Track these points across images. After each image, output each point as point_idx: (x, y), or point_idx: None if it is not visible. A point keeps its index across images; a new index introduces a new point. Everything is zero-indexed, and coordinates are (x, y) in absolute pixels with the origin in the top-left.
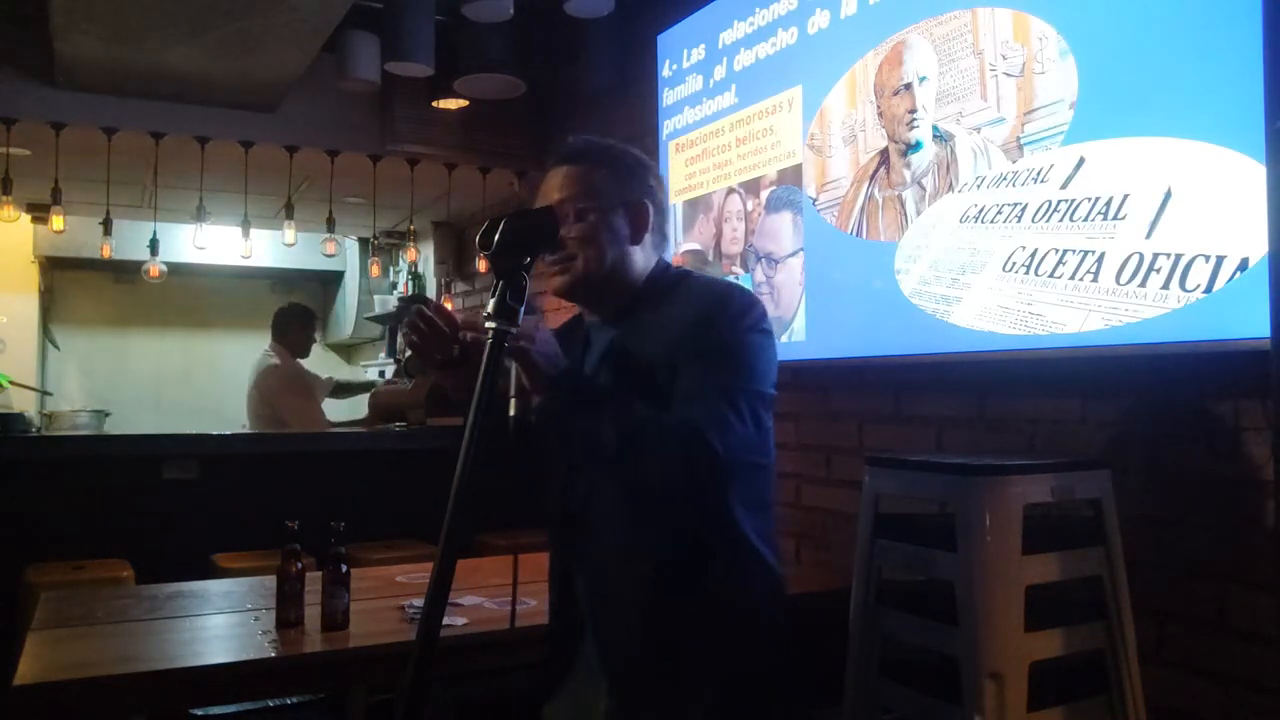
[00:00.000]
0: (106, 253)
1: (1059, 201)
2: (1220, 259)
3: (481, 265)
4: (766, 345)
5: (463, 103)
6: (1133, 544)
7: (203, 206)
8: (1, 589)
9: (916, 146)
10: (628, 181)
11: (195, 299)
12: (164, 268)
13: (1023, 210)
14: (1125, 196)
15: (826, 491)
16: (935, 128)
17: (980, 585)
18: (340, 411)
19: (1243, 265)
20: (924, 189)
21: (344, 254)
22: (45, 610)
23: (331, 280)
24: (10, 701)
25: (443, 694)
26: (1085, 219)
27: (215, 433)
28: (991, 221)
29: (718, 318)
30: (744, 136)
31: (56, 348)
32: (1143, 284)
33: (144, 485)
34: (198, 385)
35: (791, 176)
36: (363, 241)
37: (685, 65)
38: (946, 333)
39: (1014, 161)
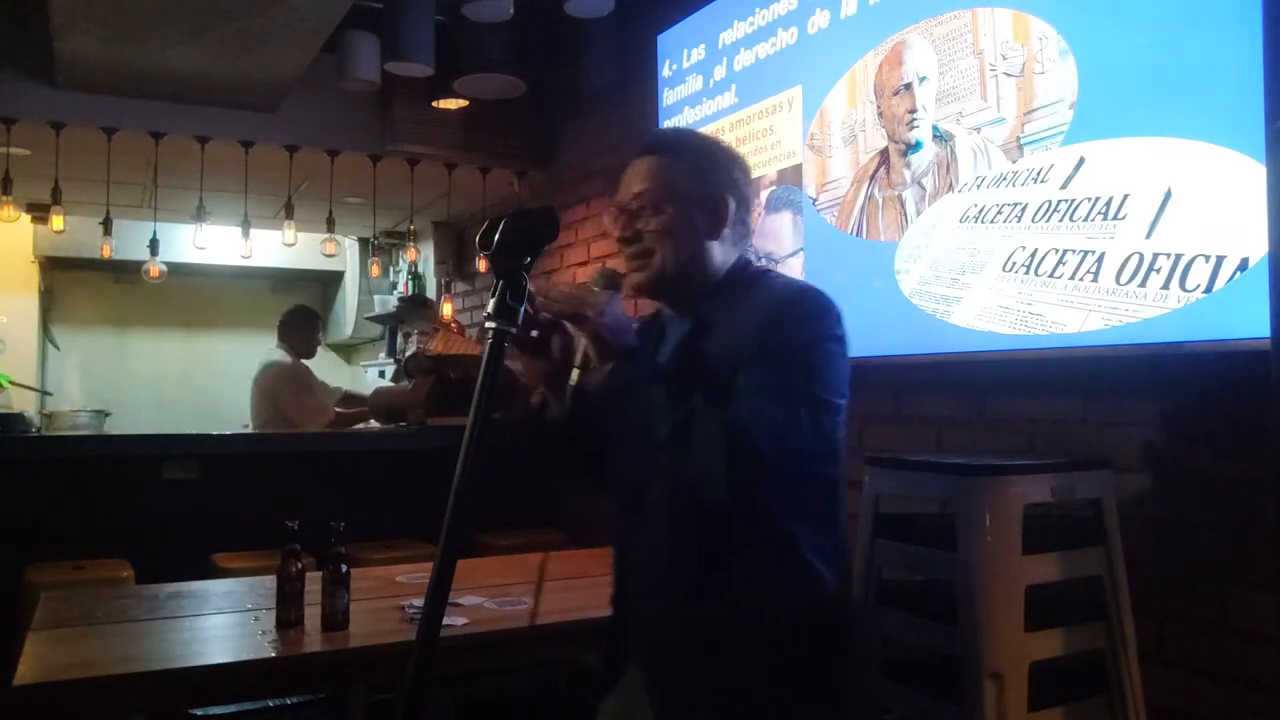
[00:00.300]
0: (106, 253)
1: (1059, 201)
2: (1220, 259)
3: (481, 265)
4: (837, 353)
5: (463, 103)
6: (1133, 544)
7: (203, 206)
8: (1, 589)
9: (916, 146)
10: (708, 174)
11: (195, 299)
12: (164, 268)
13: (1023, 210)
14: (1125, 196)
15: None
16: (935, 128)
17: (980, 585)
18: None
19: (1243, 265)
20: (924, 189)
21: (344, 254)
22: (45, 610)
23: (331, 280)
24: (10, 701)
25: (443, 694)
26: (1085, 219)
27: (215, 433)
28: (991, 221)
29: (786, 320)
30: (744, 136)
31: (56, 348)
32: (1143, 284)
33: (144, 485)
34: (198, 385)
35: (791, 176)
36: (363, 241)
37: (685, 65)
38: (946, 333)
39: (1014, 161)
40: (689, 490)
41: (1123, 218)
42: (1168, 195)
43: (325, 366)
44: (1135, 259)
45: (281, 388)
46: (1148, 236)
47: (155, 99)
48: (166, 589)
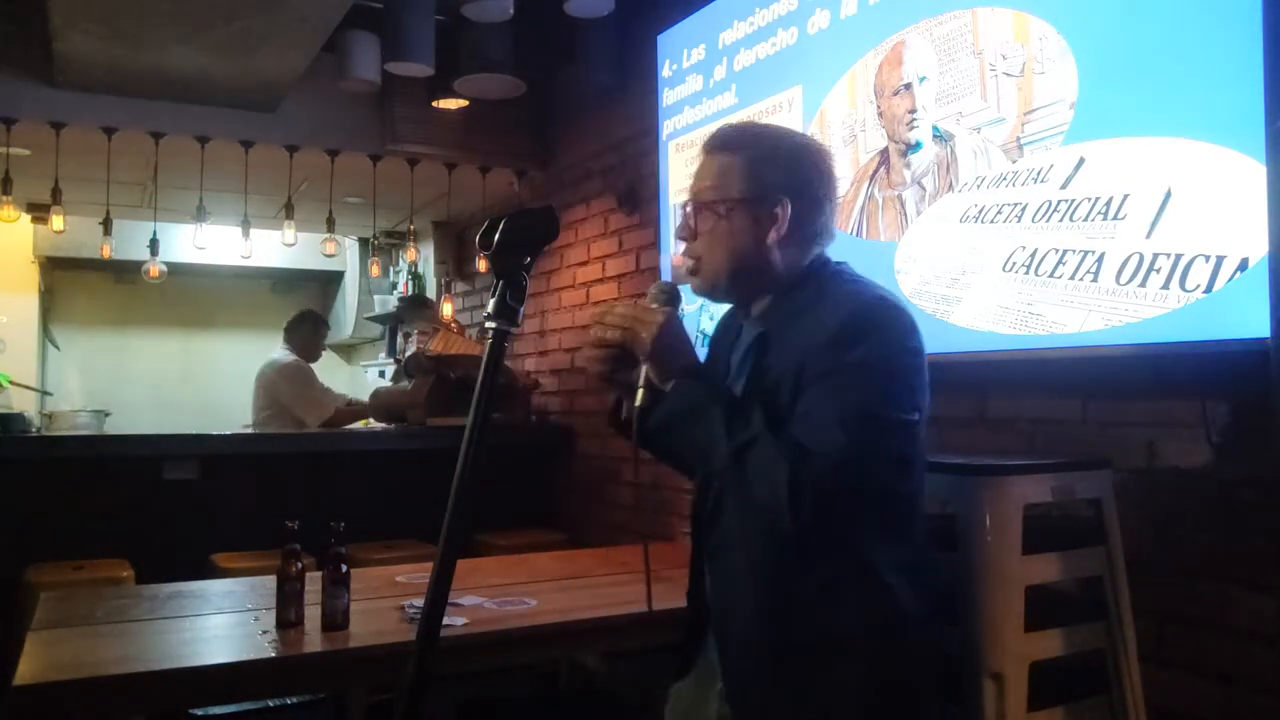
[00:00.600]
0: (106, 253)
1: (1059, 201)
2: (1220, 259)
3: (481, 265)
4: (911, 366)
5: (463, 103)
6: (1133, 544)
7: (203, 206)
8: (1, 589)
9: (916, 146)
10: (764, 176)
11: (195, 299)
12: (164, 268)
13: (1023, 210)
14: (1125, 196)
15: None
16: (935, 128)
17: (980, 585)
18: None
19: (1243, 265)
20: (924, 189)
21: (344, 254)
22: (45, 610)
23: (331, 280)
24: (10, 701)
25: (443, 694)
26: (1085, 219)
27: (215, 433)
28: (991, 221)
29: (857, 336)
30: None
31: (56, 348)
32: (1143, 284)
33: (144, 485)
34: (198, 385)
35: None
36: (363, 241)
37: (685, 65)
38: (947, 333)
39: (1014, 161)
40: (754, 519)
41: (1123, 218)
42: (1168, 195)
43: (325, 367)
44: (1135, 259)
45: (282, 382)
46: (1148, 236)
47: (155, 99)
48: (166, 589)
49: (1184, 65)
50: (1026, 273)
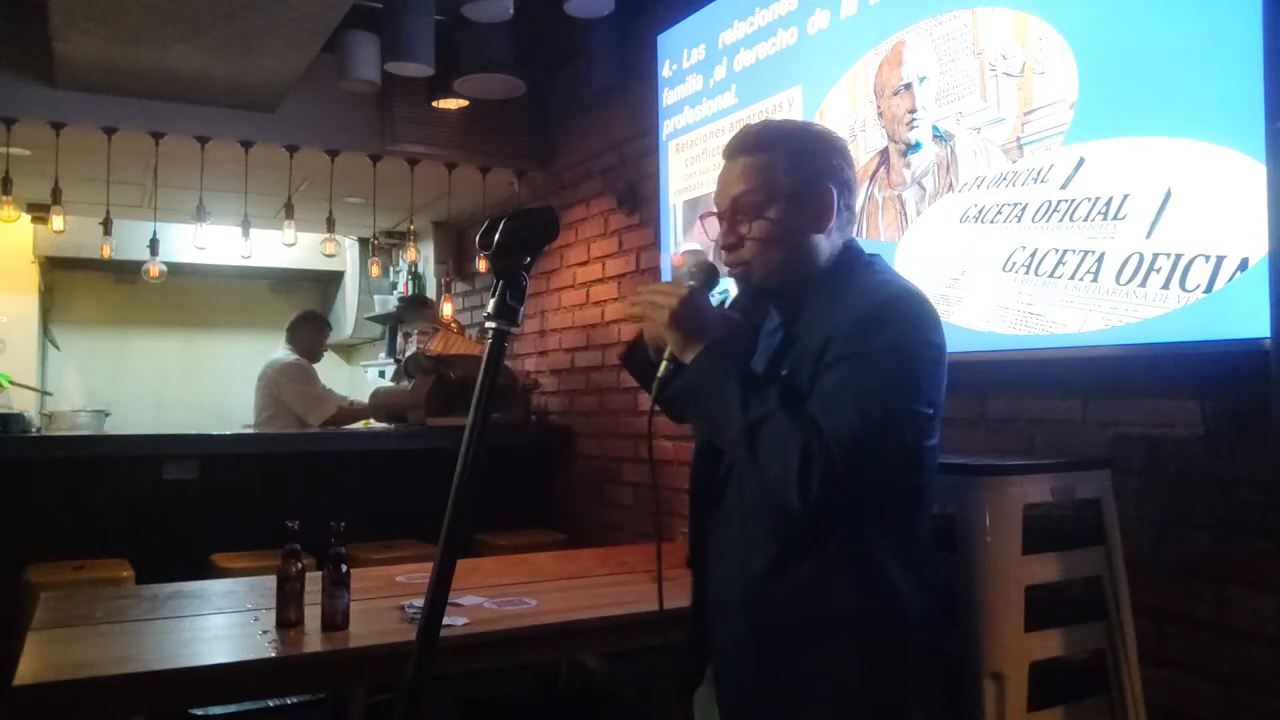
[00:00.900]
0: (106, 253)
1: (1059, 201)
2: (1220, 259)
3: (481, 265)
4: (930, 359)
5: (463, 103)
6: (1133, 544)
7: (203, 206)
8: (1, 589)
9: (916, 146)
10: (808, 167)
11: (195, 299)
12: (164, 268)
13: (1023, 210)
14: (1125, 196)
15: None
16: (935, 128)
17: (980, 585)
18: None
19: (1243, 265)
20: (924, 189)
21: (344, 254)
22: (45, 610)
23: (331, 280)
24: (10, 701)
25: (443, 694)
26: (1085, 219)
27: (215, 433)
28: (991, 221)
29: (880, 323)
30: None
31: (56, 348)
32: (1143, 284)
33: (144, 485)
34: (198, 385)
35: None
36: (363, 241)
37: (685, 65)
38: (946, 333)
39: (1014, 161)
40: (761, 494)
41: (1123, 218)
42: (1168, 195)
43: (325, 367)
44: (1135, 259)
45: (284, 382)
46: (1148, 236)
47: (155, 99)
48: (166, 589)
49: (1184, 65)
50: (1026, 273)
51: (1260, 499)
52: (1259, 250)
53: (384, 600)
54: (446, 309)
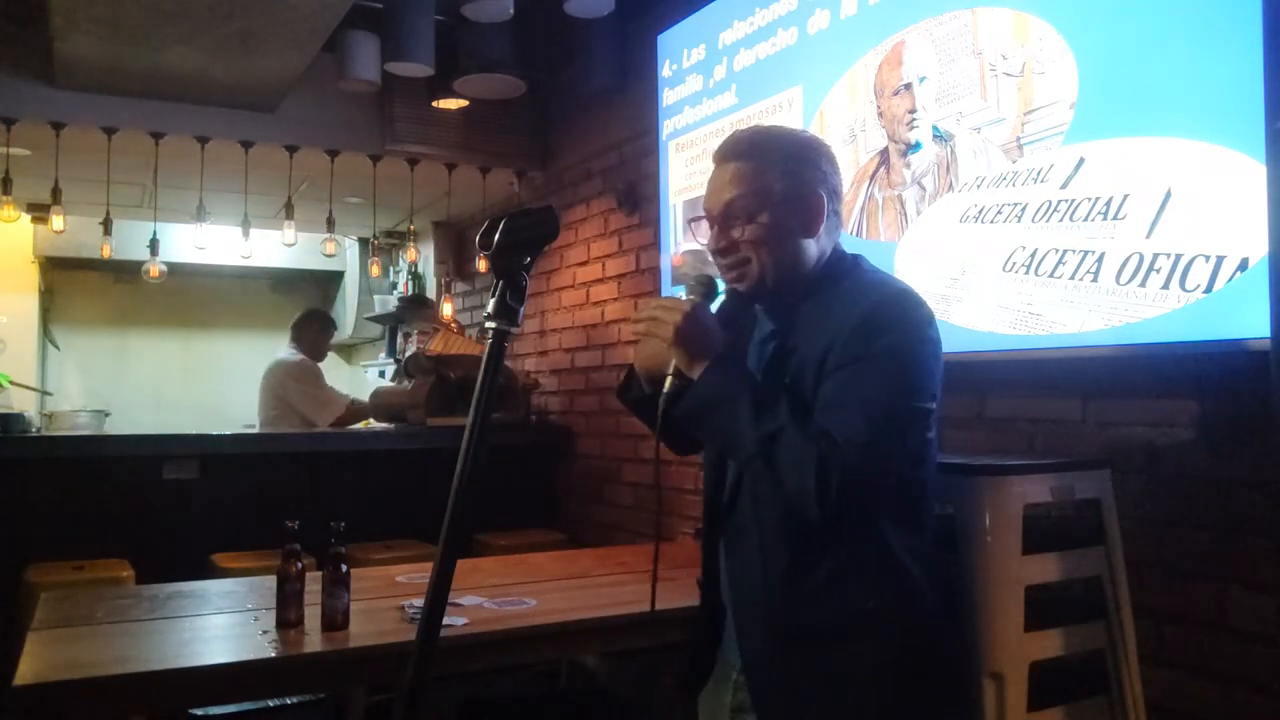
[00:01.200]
0: (106, 253)
1: (1059, 201)
2: (1220, 259)
3: (481, 265)
4: (929, 355)
5: (463, 103)
6: (1133, 544)
7: (203, 206)
8: (1, 589)
9: (916, 146)
10: (799, 172)
11: (195, 299)
12: (164, 268)
13: (1023, 210)
14: (1125, 196)
15: None
16: (935, 128)
17: (980, 585)
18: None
19: (1243, 265)
20: (924, 189)
21: (344, 254)
22: (45, 610)
23: (331, 280)
24: (10, 701)
25: (443, 694)
26: (1085, 219)
27: (215, 433)
28: (991, 221)
29: (879, 326)
30: None
31: (56, 348)
32: (1143, 284)
33: (144, 485)
34: (198, 385)
35: None
36: (363, 241)
37: (685, 65)
38: (946, 333)
39: (1014, 161)
40: (778, 503)
41: (1123, 218)
42: (1168, 195)
43: (326, 367)
44: (1135, 259)
45: (290, 382)
46: (1148, 236)
47: (155, 99)
48: (166, 589)
49: (1184, 65)
50: (1026, 273)
51: (1260, 499)
52: (1259, 250)
53: (384, 600)
54: (446, 309)
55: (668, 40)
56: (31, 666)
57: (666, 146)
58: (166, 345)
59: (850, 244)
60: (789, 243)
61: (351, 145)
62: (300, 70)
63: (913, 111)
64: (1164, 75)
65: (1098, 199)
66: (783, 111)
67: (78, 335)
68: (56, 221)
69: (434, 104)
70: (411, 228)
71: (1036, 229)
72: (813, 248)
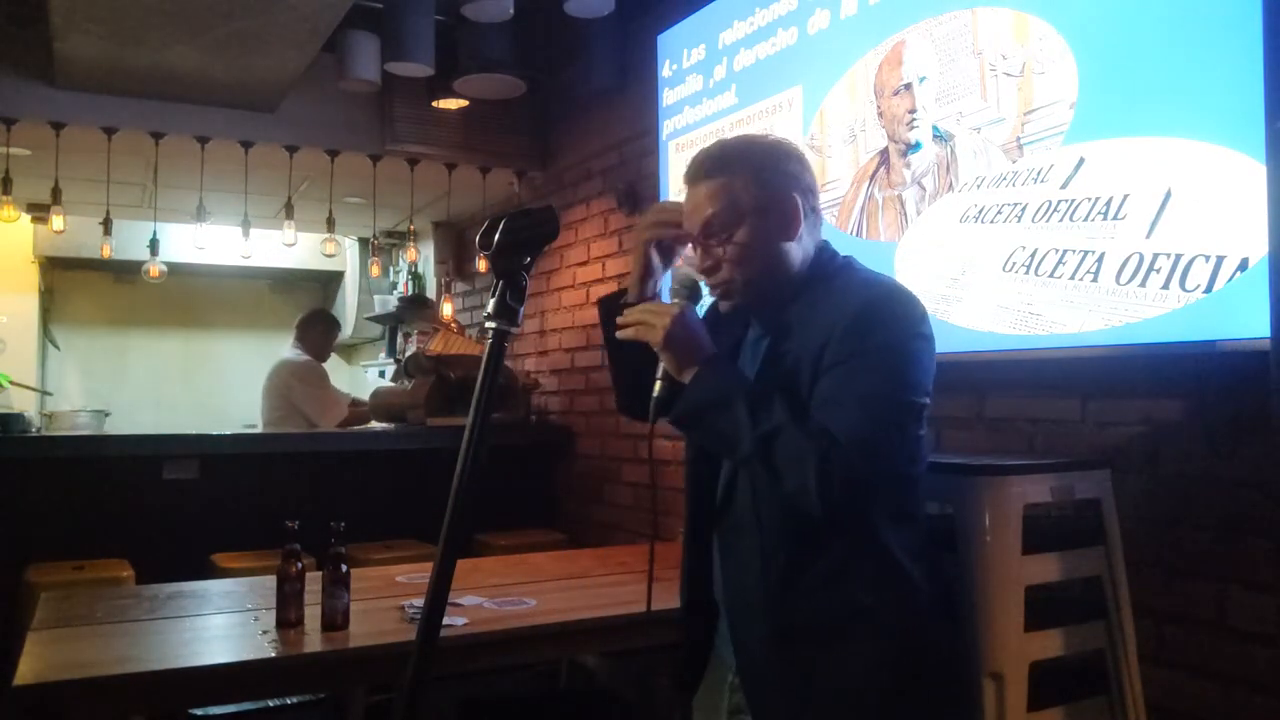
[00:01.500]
0: (106, 253)
1: (1059, 201)
2: (1220, 259)
3: (481, 265)
4: (922, 351)
5: (463, 103)
6: (1133, 544)
7: (203, 206)
8: (1, 589)
9: (916, 146)
10: (768, 180)
11: (195, 299)
12: (164, 268)
13: (1023, 210)
14: (1125, 196)
15: None
16: (935, 128)
17: (980, 585)
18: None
19: (1243, 265)
20: (924, 189)
21: (344, 254)
22: (45, 610)
23: (331, 280)
24: (10, 701)
25: (443, 694)
26: (1085, 219)
27: (215, 433)
28: (991, 221)
29: (872, 323)
30: None
31: (56, 348)
32: (1143, 284)
33: (144, 485)
34: (198, 385)
35: None
36: (363, 241)
37: (685, 65)
38: (946, 333)
39: (1014, 161)
40: (778, 501)
41: (1123, 218)
42: (1168, 195)
43: (326, 367)
44: (1135, 259)
45: (295, 383)
46: (1148, 236)
47: (155, 99)
48: (166, 589)
49: (1184, 65)
50: (1026, 273)
51: (1260, 499)
52: (1259, 250)
53: (384, 600)
54: (446, 309)
55: (668, 40)
56: (31, 666)
57: (666, 146)
58: (166, 345)
59: (850, 244)
60: (771, 251)
61: (351, 145)
62: (300, 70)
63: (913, 111)
64: (1164, 75)
65: (1098, 199)
66: (783, 111)
67: (78, 335)
68: (56, 221)
69: (434, 104)
70: (411, 228)
71: (1036, 229)
72: (796, 250)
